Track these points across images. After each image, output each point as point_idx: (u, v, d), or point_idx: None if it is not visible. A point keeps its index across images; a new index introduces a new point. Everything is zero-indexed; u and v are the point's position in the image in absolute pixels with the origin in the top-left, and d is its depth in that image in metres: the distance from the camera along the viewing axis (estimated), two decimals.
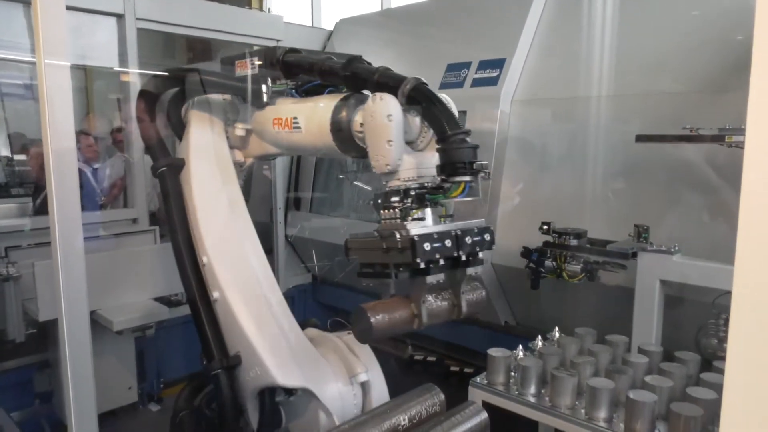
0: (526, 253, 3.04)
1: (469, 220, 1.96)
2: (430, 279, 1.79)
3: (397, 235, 1.73)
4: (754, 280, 0.73)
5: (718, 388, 1.97)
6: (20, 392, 3.92)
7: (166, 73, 2.92)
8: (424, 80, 1.95)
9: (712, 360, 2.28)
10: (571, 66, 3.47)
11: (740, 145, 2.36)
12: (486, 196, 3.60)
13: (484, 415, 1.89)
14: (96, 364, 2.30)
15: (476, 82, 3.77)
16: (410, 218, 1.81)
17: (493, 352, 2.35)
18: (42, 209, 2.30)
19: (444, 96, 1.95)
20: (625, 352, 2.43)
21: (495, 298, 3.74)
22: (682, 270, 2.51)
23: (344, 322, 4.60)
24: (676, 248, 2.57)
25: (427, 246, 1.71)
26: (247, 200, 2.82)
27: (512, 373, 2.34)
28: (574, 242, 2.88)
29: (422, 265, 1.73)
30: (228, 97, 2.75)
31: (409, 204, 1.84)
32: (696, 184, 2.84)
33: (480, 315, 2.03)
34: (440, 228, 1.82)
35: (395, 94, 1.92)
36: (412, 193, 1.86)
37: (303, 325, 2.83)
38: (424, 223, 1.82)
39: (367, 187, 4.55)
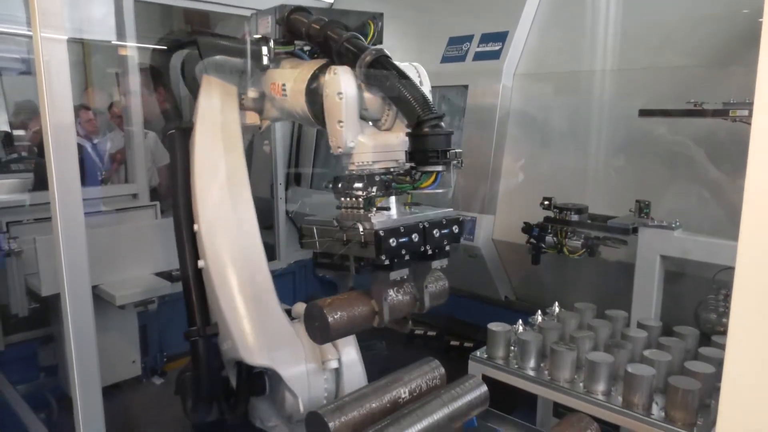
0: (527, 228, 3.03)
1: (435, 208, 1.80)
2: (394, 275, 1.67)
3: (360, 228, 1.60)
4: (758, 256, 0.73)
5: (717, 362, 1.99)
6: (25, 366, 3.97)
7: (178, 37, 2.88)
8: (386, 52, 1.77)
9: (710, 335, 2.29)
10: (574, 39, 3.42)
11: (744, 120, 2.34)
12: (488, 171, 3.58)
13: (484, 388, 1.91)
14: (99, 338, 2.32)
15: (478, 56, 3.72)
16: (374, 209, 1.67)
17: (494, 326, 2.36)
18: (43, 184, 2.29)
19: (415, 69, 1.81)
20: (624, 326, 2.45)
21: (495, 273, 3.75)
22: (682, 245, 2.51)
23: None
24: (677, 224, 2.57)
25: (392, 241, 1.59)
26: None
27: (512, 348, 2.36)
28: (575, 218, 2.88)
29: (386, 261, 1.62)
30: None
31: (373, 192, 1.68)
32: (699, 160, 2.82)
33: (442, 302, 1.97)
34: (406, 220, 1.68)
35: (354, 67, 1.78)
36: (377, 178, 1.71)
37: (309, 301, 2.84)
38: (388, 214, 1.68)
39: None
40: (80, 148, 4.60)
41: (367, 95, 1.77)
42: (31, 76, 2.19)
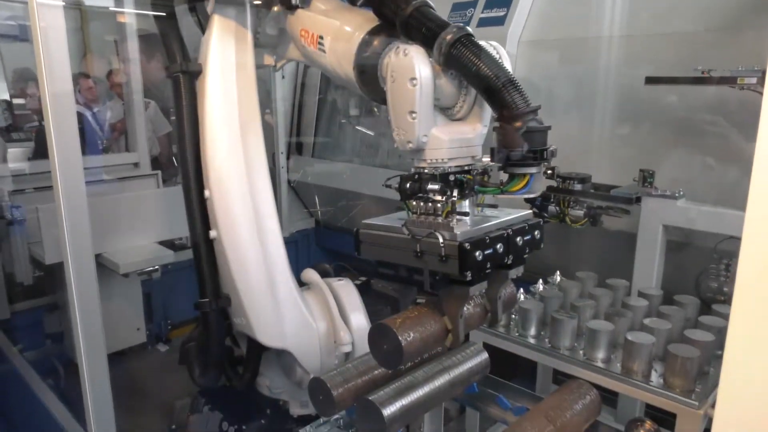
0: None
1: (510, 209, 1.59)
2: (473, 290, 1.47)
3: (440, 239, 1.39)
4: (766, 225, 0.72)
5: (716, 330, 2.00)
6: (31, 333, 4.03)
7: None
8: (469, 30, 1.48)
9: (711, 304, 2.30)
10: (580, 5, 3.34)
11: (753, 88, 2.31)
12: (490, 141, 3.55)
13: (485, 355, 1.93)
14: (104, 306, 2.35)
15: (482, 22, 3.65)
16: (454, 216, 1.44)
17: None
18: (43, 152, 2.28)
19: (494, 49, 1.52)
20: (625, 295, 2.46)
21: None
22: (685, 215, 2.51)
23: (347, 266, 4.66)
24: (681, 193, 2.56)
25: (478, 255, 1.38)
26: None
27: (513, 316, 2.38)
28: (578, 187, 2.86)
29: (469, 278, 1.40)
30: None
31: (455, 197, 1.46)
32: (705, 129, 2.79)
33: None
34: (488, 228, 1.46)
35: (430, 47, 1.48)
36: (451, 178, 1.49)
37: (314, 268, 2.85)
38: (468, 221, 1.47)
39: (370, 132, 4.50)
40: (80, 116, 4.58)
41: (442, 80, 1.50)
42: (29, 43, 2.14)
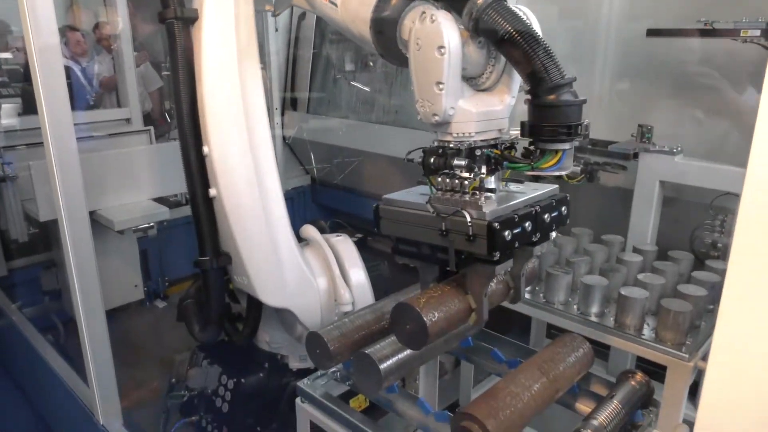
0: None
1: (536, 184, 1.50)
2: (500, 269, 1.41)
3: (468, 218, 1.32)
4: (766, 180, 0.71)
5: (709, 285, 2.02)
6: (29, 290, 4.05)
7: None
8: None
9: (705, 259, 2.32)
10: None
11: (756, 41, 2.26)
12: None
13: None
14: (100, 263, 2.35)
15: None
16: (482, 195, 1.36)
17: None
18: (32, 109, 2.23)
19: (524, 15, 1.40)
20: (620, 251, 2.47)
21: None
22: (682, 171, 2.50)
23: (343, 223, 4.67)
24: (679, 149, 2.54)
25: (507, 235, 1.32)
26: None
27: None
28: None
29: (498, 257, 1.35)
30: None
31: (483, 173, 1.38)
32: (706, 83, 2.75)
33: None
34: (516, 206, 1.40)
35: (459, 12, 1.36)
36: (478, 153, 1.40)
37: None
38: (496, 199, 1.40)
39: (366, 88, 4.42)
40: (68, 71, 4.48)
41: (470, 48, 1.38)
42: None
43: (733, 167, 2.34)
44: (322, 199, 5.13)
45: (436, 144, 1.45)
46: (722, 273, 2.10)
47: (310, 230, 2.78)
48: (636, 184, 2.64)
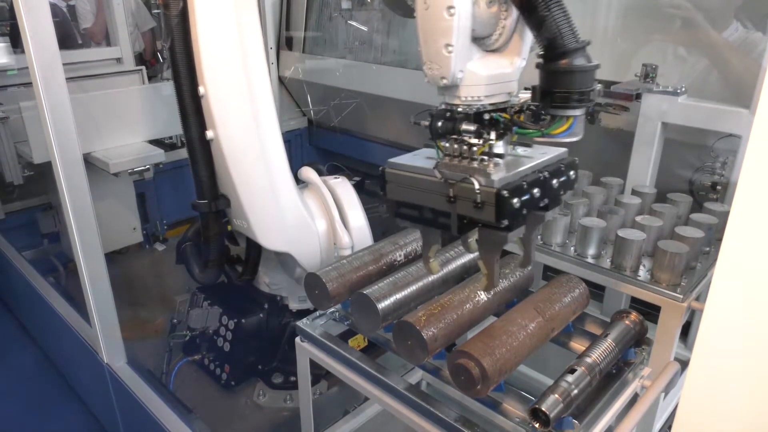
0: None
1: (544, 147, 1.45)
2: (512, 236, 1.37)
3: (476, 185, 1.28)
4: None
5: (706, 227, 2.02)
6: (28, 233, 4.07)
7: None
8: None
9: (703, 202, 2.32)
10: None
11: None
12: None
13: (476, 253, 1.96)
14: (97, 206, 2.34)
15: None
16: (491, 161, 1.33)
17: None
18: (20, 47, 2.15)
19: None
20: (618, 194, 2.46)
21: None
22: (685, 112, 2.45)
23: (341, 166, 4.64)
24: (683, 89, 2.49)
25: (516, 202, 1.29)
26: None
27: None
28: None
29: (506, 224, 1.32)
30: None
31: (492, 139, 1.33)
32: (716, 21, 2.66)
33: None
34: (525, 172, 1.36)
35: None
36: (486, 117, 1.35)
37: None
38: (504, 164, 1.35)
39: (363, 27, 4.29)
40: (55, 8, 4.32)
41: (480, 6, 1.31)
42: None
43: (739, 108, 2.30)
44: (319, 141, 5.08)
45: (443, 107, 1.40)
46: (720, 215, 2.10)
47: (309, 173, 2.75)
48: (638, 125, 2.60)
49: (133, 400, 2.47)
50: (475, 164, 1.33)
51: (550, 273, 2.53)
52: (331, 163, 4.72)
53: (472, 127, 1.33)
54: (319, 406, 2.32)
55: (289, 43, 4.83)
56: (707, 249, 2.05)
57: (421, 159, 1.45)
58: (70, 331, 2.89)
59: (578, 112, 1.29)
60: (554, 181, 1.41)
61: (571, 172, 1.46)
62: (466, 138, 1.34)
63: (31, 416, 3.15)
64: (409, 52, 3.97)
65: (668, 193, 2.33)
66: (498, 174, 1.29)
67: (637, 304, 2.12)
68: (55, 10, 4.27)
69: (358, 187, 2.84)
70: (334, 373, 1.77)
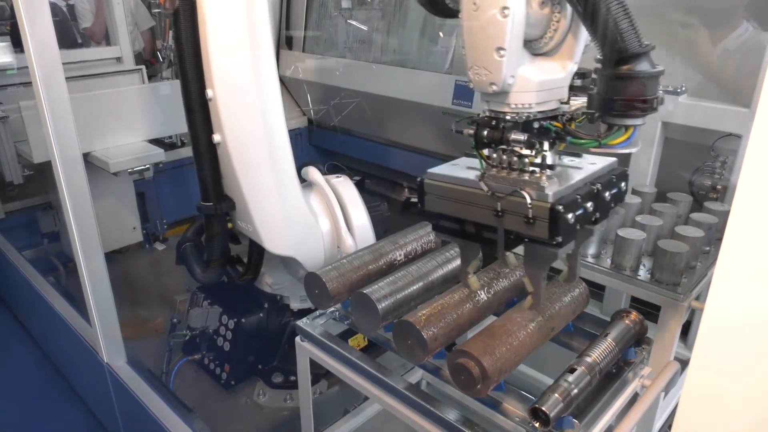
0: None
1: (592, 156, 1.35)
2: (563, 252, 1.29)
3: (527, 198, 1.20)
4: None
5: (706, 227, 2.02)
6: (28, 233, 4.06)
7: None
8: None
9: (703, 201, 2.32)
10: None
11: None
12: None
13: (478, 252, 1.95)
14: (97, 205, 2.34)
15: None
16: (543, 174, 1.23)
17: None
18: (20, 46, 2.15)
19: None
20: None
21: None
22: (686, 111, 2.45)
23: (341, 166, 4.64)
24: (683, 88, 2.49)
25: (570, 218, 1.20)
26: None
27: None
28: (577, 82, 2.76)
29: (560, 240, 1.23)
30: None
31: (546, 151, 1.24)
32: (718, 20, 2.66)
33: None
34: (578, 185, 1.27)
35: None
36: (536, 125, 1.25)
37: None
38: (557, 177, 1.26)
39: (363, 26, 4.29)
40: (55, 7, 4.32)
41: (532, 6, 1.21)
42: None
43: (739, 108, 2.30)
44: (319, 141, 5.08)
45: (488, 114, 1.29)
46: (720, 215, 2.10)
47: (312, 172, 2.75)
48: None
49: (133, 400, 2.47)
50: (526, 176, 1.24)
51: (550, 273, 2.52)
52: (331, 163, 4.72)
53: (522, 137, 1.22)
54: (319, 405, 2.32)
55: (289, 43, 4.83)
56: (707, 248, 2.05)
57: (461, 169, 1.38)
58: (70, 330, 2.89)
59: (640, 121, 1.19)
60: (606, 194, 1.32)
61: (623, 184, 1.38)
62: (515, 148, 1.24)
63: (31, 416, 3.15)
64: (409, 52, 3.97)
65: (668, 192, 2.34)
66: (552, 187, 1.20)
67: (637, 303, 2.12)
68: (54, 9, 4.28)
69: (359, 187, 2.84)
70: (334, 372, 1.77)
